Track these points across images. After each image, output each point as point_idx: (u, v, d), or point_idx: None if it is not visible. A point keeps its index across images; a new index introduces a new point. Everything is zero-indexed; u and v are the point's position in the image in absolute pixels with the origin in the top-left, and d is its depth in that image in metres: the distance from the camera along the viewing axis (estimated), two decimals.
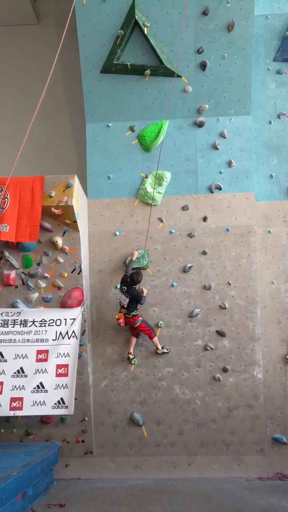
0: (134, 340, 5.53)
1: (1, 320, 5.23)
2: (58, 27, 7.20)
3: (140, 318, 5.33)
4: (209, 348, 5.61)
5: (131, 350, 5.52)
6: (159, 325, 5.67)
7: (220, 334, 5.63)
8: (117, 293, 5.65)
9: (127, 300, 5.17)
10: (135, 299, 5.21)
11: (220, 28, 5.61)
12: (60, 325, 5.25)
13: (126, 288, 5.21)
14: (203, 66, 5.73)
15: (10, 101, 7.11)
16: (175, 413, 5.55)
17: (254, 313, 5.65)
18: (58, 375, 5.09)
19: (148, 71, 5.70)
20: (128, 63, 5.70)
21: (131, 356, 5.52)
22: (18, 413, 5.03)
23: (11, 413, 5.02)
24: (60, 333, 5.22)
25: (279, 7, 5.88)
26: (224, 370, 5.57)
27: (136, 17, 5.52)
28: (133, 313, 5.27)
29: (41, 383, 5.08)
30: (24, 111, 7.05)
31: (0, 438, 5.46)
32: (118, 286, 5.43)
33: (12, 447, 5.15)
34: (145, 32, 5.58)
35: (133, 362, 5.56)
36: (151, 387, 5.60)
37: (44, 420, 5.45)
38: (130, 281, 5.21)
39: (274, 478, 5.34)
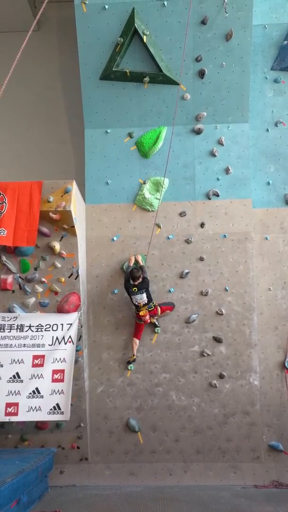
0: (137, 342, 5.53)
1: None
2: (58, 34, 7.29)
3: (158, 306, 5.45)
4: (205, 354, 5.60)
5: (135, 352, 5.52)
6: (156, 331, 5.66)
7: (217, 340, 5.63)
8: (116, 298, 5.67)
9: (144, 295, 5.24)
10: (147, 286, 5.31)
11: (219, 37, 5.68)
12: (56, 330, 5.24)
13: (136, 288, 5.25)
14: (201, 74, 5.79)
15: (9, 107, 7.15)
16: (171, 420, 5.53)
17: (251, 319, 5.66)
18: (54, 380, 5.08)
19: (147, 79, 5.76)
20: (127, 70, 5.76)
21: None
22: (14, 418, 5.00)
23: (6, 419, 4.99)
24: (57, 338, 5.20)
25: (276, 17, 5.97)
26: (221, 376, 5.56)
27: (136, 25, 5.58)
28: (153, 304, 5.36)
29: (37, 389, 5.06)
30: (23, 117, 7.13)
31: None
32: (126, 294, 5.47)
33: (7, 453, 5.11)
34: (145, 40, 5.64)
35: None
36: (147, 393, 5.58)
37: (39, 426, 5.42)
38: (132, 278, 5.26)
39: (271, 486, 5.31)
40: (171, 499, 4.85)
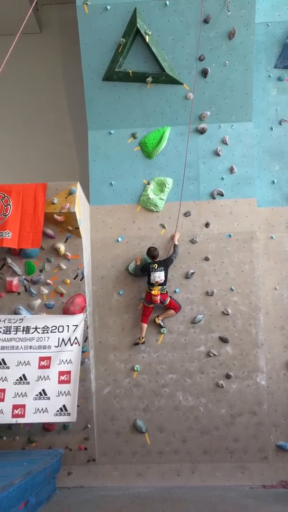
0: (145, 326, 5.53)
1: (4, 327, 5.23)
2: (61, 36, 7.30)
3: (169, 296, 5.47)
4: (212, 355, 5.58)
5: (144, 335, 5.51)
6: (162, 331, 5.65)
7: (223, 340, 5.61)
8: (121, 299, 5.68)
9: (162, 273, 5.32)
10: (167, 266, 5.39)
11: (221, 36, 5.65)
12: (62, 331, 5.25)
13: (156, 264, 5.35)
14: (204, 73, 5.77)
15: (13, 109, 7.18)
16: (178, 420, 5.52)
17: (257, 319, 5.63)
18: (60, 382, 5.08)
19: (150, 79, 5.74)
20: (130, 71, 5.75)
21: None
22: (20, 420, 5.01)
23: (13, 421, 5.00)
24: (63, 339, 5.21)
25: (279, 14, 5.92)
26: (227, 376, 5.54)
27: (138, 25, 5.57)
28: (165, 288, 5.40)
29: (43, 390, 5.06)
30: (26, 119, 7.15)
31: (2, 446, 5.44)
32: (149, 267, 5.44)
33: (15, 454, 5.12)
34: (147, 40, 5.63)
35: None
36: (154, 394, 5.57)
37: (46, 427, 5.43)
38: (151, 256, 5.40)
39: (279, 486, 5.29)
40: (179, 500, 4.83)
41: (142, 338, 5.52)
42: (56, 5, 7.33)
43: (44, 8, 7.39)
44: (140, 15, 5.59)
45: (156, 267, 5.34)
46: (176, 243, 5.62)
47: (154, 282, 5.33)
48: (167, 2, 5.55)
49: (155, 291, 5.31)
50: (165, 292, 5.42)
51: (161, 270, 5.33)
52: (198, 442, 5.48)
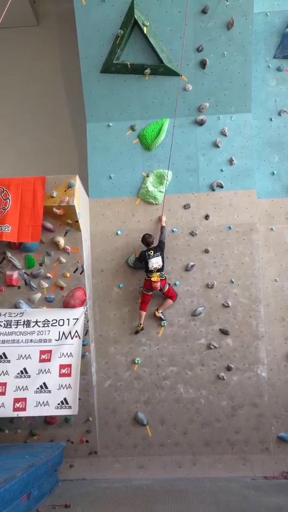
0: (144, 314, 5.53)
1: (4, 320, 5.24)
2: (58, 28, 7.24)
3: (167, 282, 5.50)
4: (212, 347, 5.58)
5: (142, 322, 5.52)
6: (162, 324, 5.65)
7: (224, 332, 5.61)
8: (122, 292, 5.67)
9: (160, 258, 5.32)
10: (162, 250, 5.39)
11: (220, 26, 5.60)
12: (63, 325, 5.25)
13: (152, 251, 5.35)
14: (203, 64, 5.73)
15: (11, 103, 7.14)
16: (179, 413, 5.53)
17: (258, 311, 5.62)
18: (61, 375, 5.09)
19: (148, 70, 5.70)
20: (128, 63, 5.71)
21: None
22: (22, 414, 5.02)
23: (15, 414, 5.01)
24: (63, 333, 5.21)
25: (278, 4, 5.87)
26: (228, 368, 5.54)
27: (136, 16, 5.53)
28: (164, 274, 5.41)
29: (44, 384, 5.07)
30: (24, 112, 7.11)
31: (4, 439, 5.46)
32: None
33: (17, 448, 5.14)
34: (145, 32, 5.58)
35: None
36: (155, 387, 5.58)
37: (48, 420, 5.44)
38: (146, 243, 5.43)
39: (280, 477, 5.30)
40: (180, 491, 4.85)
41: (141, 324, 5.52)
42: None
43: (41, 1, 7.33)
44: (137, 6, 5.55)
45: (152, 253, 5.34)
46: (164, 224, 5.62)
47: (153, 269, 5.32)
48: None
49: (155, 277, 5.30)
50: (164, 278, 5.42)
51: (158, 256, 5.33)
52: (199, 434, 5.49)
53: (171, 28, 5.62)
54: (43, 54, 7.18)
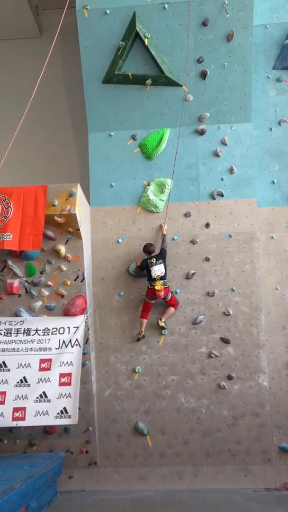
0: (145, 322, 5.51)
1: (5, 329, 5.21)
2: (61, 39, 7.35)
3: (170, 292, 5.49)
4: (213, 356, 5.55)
5: (143, 330, 5.49)
6: (163, 332, 5.63)
7: (225, 341, 5.58)
8: (122, 300, 5.67)
9: (162, 266, 5.31)
10: (164, 258, 5.39)
11: (220, 38, 5.69)
12: (63, 333, 5.23)
13: (154, 258, 5.34)
14: (203, 75, 5.81)
15: (14, 112, 7.21)
16: (180, 422, 5.47)
17: (259, 319, 5.61)
18: (61, 384, 5.05)
19: (149, 81, 5.78)
20: (130, 73, 5.79)
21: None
22: (21, 423, 4.96)
23: (14, 424, 4.95)
24: (64, 341, 5.19)
25: (277, 16, 5.98)
26: (229, 377, 5.50)
27: (137, 28, 5.62)
28: (167, 282, 5.41)
29: (44, 393, 5.02)
30: (27, 122, 7.16)
31: (3, 449, 5.40)
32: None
33: (15, 458, 5.09)
34: (146, 43, 5.68)
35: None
36: (155, 396, 5.54)
37: (47, 430, 5.39)
38: (148, 252, 5.42)
39: (282, 489, 5.22)
40: (181, 504, 4.78)
41: (142, 332, 5.50)
42: (56, 9, 7.39)
43: (44, 13, 7.47)
44: (139, 18, 5.65)
45: (154, 261, 5.34)
46: (165, 232, 5.64)
47: (155, 277, 5.31)
48: (166, 6, 5.61)
49: (158, 285, 5.29)
50: (167, 286, 5.41)
51: (160, 263, 5.33)
52: (200, 444, 5.43)
53: (171, 40, 5.71)
54: (46, 65, 7.27)
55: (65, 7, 5.69)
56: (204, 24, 5.66)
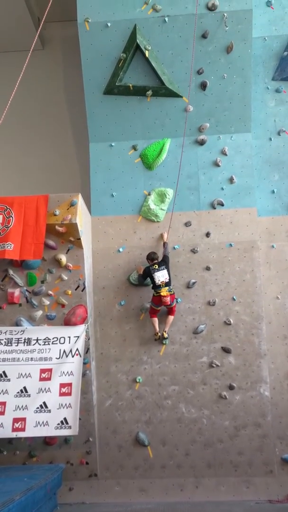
0: (156, 320, 5.47)
1: (5, 338, 5.20)
2: (63, 52, 7.48)
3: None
4: (214, 365, 5.53)
5: (158, 329, 5.45)
6: (164, 342, 5.61)
7: (226, 350, 5.56)
8: (123, 310, 5.66)
9: (165, 271, 5.26)
10: (167, 264, 5.34)
11: (220, 50, 5.77)
12: (64, 343, 5.21)
13: (156, 265, 5.31)
14: (203, 86, 5.87)
15: (16, 123, 7.29)
16: (181, 433, 5.43)
17: (260, 329, 5.59)
18: (61, 394, 5.01)
19: (149, 92, 5.85)
20: (130, 85, 5.86)
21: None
22: (21, 434, 4.92)
23: (14, 435, 4.91)
24: (64, 351, 5.17)
25: (276, 29, 6.06)
26: (230, 387, 5.47)
27: (138, 41, 5.70)
28: (172, 289, 5.36)
29: (44, 403, 4.99)
30: (29, 132, 7.26)
31: (2, 461, 5.35)
32: (148, 274, 5.40)
33: (15, 470, 5.04)
34: (147, 55, 5.75)
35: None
36: (156, 406, 5.50)
37: (47, 441, 5.35)
38: (150, 259, 5.39)
39: (285, 501, 5.16)
40: None
41: (157, 333, 5.45)
42: (58, 22, 7.52)
43: (46, 26, 7.57)
44: (140, 31, 5.73)
45: (157, 267, 5.31)
46: (166, 240, 5.66)
47: (160, 283, 5.26)
48: (166, 19, 5.70)
49: (164, 292, 5.24)
50: (173, 292, 5.36)
51: (163, 269, 5.28)
52: (202, 455, 5.38)
53: (172, 52, 5.79)
54: (48, 77, 7.39)
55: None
56: (204, 36, 5.74)
